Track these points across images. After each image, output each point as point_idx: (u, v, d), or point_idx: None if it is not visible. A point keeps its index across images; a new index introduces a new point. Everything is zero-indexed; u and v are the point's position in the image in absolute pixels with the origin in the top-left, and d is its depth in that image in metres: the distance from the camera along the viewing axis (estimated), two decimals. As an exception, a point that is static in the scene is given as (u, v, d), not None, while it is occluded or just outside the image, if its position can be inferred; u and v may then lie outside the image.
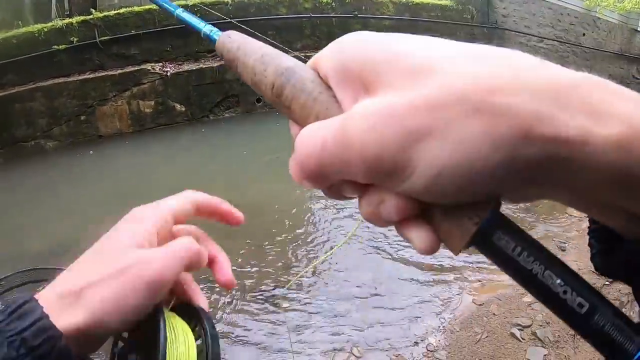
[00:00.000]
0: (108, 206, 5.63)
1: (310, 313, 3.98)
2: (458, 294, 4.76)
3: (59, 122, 6.93)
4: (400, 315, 4.37)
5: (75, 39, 7.09)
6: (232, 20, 8.68)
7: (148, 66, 7.69)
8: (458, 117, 0.25)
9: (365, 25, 10.59)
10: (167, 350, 0.46)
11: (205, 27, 0.49)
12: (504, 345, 4.00)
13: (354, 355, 3.72)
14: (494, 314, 4.40)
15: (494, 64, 0.27)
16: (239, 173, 6.93)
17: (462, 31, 11.49)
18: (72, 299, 0.43)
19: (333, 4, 9.70)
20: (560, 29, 12.57)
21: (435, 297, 4.68)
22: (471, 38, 11.91)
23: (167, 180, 6.68)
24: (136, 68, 7.60)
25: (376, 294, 4.55)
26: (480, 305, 4.56)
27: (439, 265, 5.15)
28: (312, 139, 0.30)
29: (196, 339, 0.49)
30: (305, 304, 4.34)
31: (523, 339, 4.11)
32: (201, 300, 0.51)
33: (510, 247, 0.30)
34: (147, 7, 7.99)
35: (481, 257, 4.61)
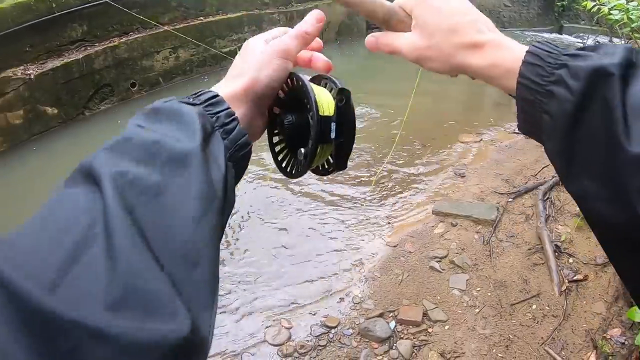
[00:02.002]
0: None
1: (224, 295, 4.07)
2: (371, 241, 4.95)
3: None
4: (318, 273, 4.52)
5: None
6: (90, 3, 8.38)
7: (9, 72, 7.51)
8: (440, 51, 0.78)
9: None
10: (311, 86, 0.74)
11: None
12: (427, 280, 4.26)
13: (284, 327, 3.86)
14: (409, 252, 4.65)
15: (455, 23, 0.76)
16: None
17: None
18: (233, 78, 0.75)
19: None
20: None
21: (348, 248, 4.87)
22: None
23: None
24: None
25: (290, 255, 4.69)
26: (394, 247, 4.78)
27: (344, 215, 5.44)
28: (398, 43, 0.82)
29: (330, 91, 0.78)
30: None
31: (443, 269, 4.38)
32: (320, 65, 0.86)
33: None
34: (-6, 6, 7.60)
35: (384, 199, 5.12)
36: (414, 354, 3.56)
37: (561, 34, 15.10)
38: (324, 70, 0.85)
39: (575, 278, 4.10)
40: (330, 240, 4.95)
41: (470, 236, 4.75)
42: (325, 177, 6.05)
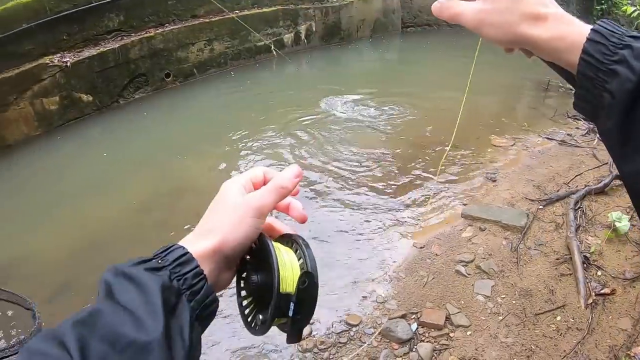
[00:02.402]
0: (35, 217, 5.62)
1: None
2: (398, 241, 4.95)
3: None
4: (344, 271, 4.54)
5: None
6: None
7: (46, 60, 7.87)
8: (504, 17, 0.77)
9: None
10: (277, 259, 0.73)
11: None
12: (452, 284, 4.24)
13: (305, 322, 3.90)
14: (436, 254, 4.63)
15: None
16: (163, 155, 7.42)
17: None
18: (205, 234, 0.74)
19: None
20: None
21: (375, 247, 4.87)
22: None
23: (87, 177, 7.01)
24: (34, 64, 7.78)
25: (316, 250, 4.78)
26: (421, 248, 4.76)
27: (374, 213, 5.45)
28: (461, 8, 0.81)
29: (295, 252, 0.78)
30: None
31: (469, 274, 4.35)
32: (287, 229, 0.85)
33: None
34: (34, -5, 7.80)
35: (413, 198, 5.11)
36: (433, 357, 3.58)
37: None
38: (298, 220, 0.86)
39: (602, 291, 4.03)
40: (357, 239, 4.97)
41: (498, 242, 4.71)
42: (354, 177, 6.10)
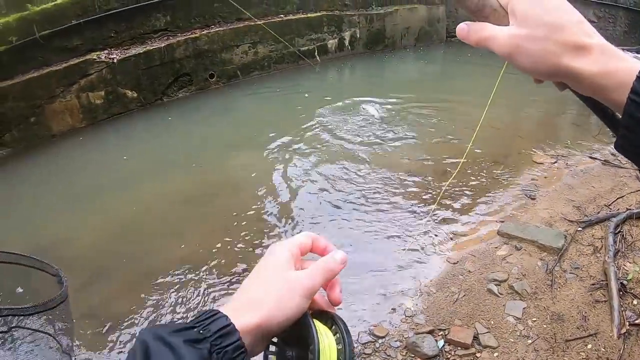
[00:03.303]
0: (76, 204, 5.77)
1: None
2: (431, 255, 4.86)
3: (9, 128, 7.35)
4: (375, 282, 4.46)
5: (14, 38, 7.36)
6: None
7: (93, 55, 8.07)
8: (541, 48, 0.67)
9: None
10: (319, 346, 0.69)
11: None
12: (483, 302, 4.11)
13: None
14: (469, 271, 4.51)
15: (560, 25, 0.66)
16: (202, 152, 7.50)
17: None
18: (249, 304, 0.71)
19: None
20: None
21: (408, 260, 4.78)
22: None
23: (127, 170, 7.21)
24: (81, 59, 8.01)
25: (349, 259, 4.79)
26: (454, 263, 4.65)
27: (408, 226, 5.35)
28: (494, 32, 0.72)
29: (334, 334, 0.75)
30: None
31: (501, 293, 4.21)
32: (325, 303, 0.81)
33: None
34: (85, -8, 8.03)
35: (448, 212, 5.01)
36: (458, 377, 3.50)
37: (647, 55, 14.38)
38: (333, 301, 0.82)
39: (637, 322, 3.83)
40: (390, 251, 4.90)
41: (533, 262, 4.55)
42: (389, 188, 6.03)
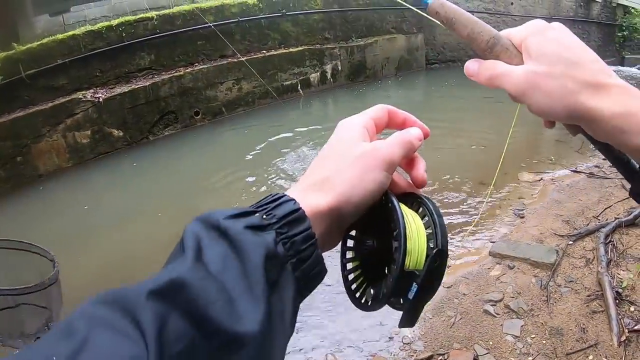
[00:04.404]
0: (61, 246, 5.65)
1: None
2: None
3: None
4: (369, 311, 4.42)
5: (0, 77, 7.00)
6: (158, 34, 8.70)
7: (79, 95, 8.06)
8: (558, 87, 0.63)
9: (295, 22, 10.81)
10: (406, 229, 0.59)
11: None
12: (480, 324, 4.05)
13: (329, 361, 3.79)
14: (464, 294, 4.44)
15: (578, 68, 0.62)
16: (191, 191, 7.03)
17: (393, 14, 11.80)
18: (320, 184, 0.60)
19: (260, 5, 9.89)
20: (489, 1, 13.11)
21: None
22: (402, 19, 12.27)
23: (115, 210, 6.74)
24: (67, 98, 8.01)
25: (341, 292, 4.76)
26: (448, 287, 4.57)
27: None
28: (508, 70, 0.67)
29: (422, 218, 0.64)
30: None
31: (497, 313, 4.15)
32: (410, 185, 0.69)
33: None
34: (70, 33, 8.19)
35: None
36: (460, 400, 3.39)
37: (623, 66, 14.75)
38: (417, 183, 0.69)
39: (636, 328, 3.76)
40: None
41: (527, 280, 4.48)
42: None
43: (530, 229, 5.36)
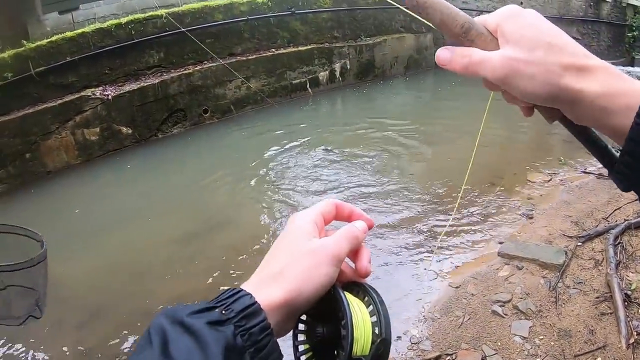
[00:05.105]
0: (68, 242, 5.66)
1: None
2: (433, 280, 4.76)
3: (4, 164, 7.24)
4: None
5: (10, 74, 7.22)
6: (168, 32, 8.70)
7: (88, 92, 8.04)
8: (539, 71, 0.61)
9: (304, 21, 10.79)
10: (352, 319, 0.62)
11: None
12: (488, 324, 4.03)
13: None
14: (472, 294, 4.42)
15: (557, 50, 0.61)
16: (197, 190, 7.04)
17: (402, 13, 11.78)
18: (274, 278, 0.63)
19: (269, 3, 9.88)
20: (498, 1, 13.06)
21: (410, 287, 4.69)
22: (411, 18, 12.22)
23: (123, 207, 6.81)
24: (76, 96, 8.00)
25: None
26: (457, 287, 4.56)
27: (408, 252, 5.27)
28: (486, 56, 0.65)
29: (367, 306, 0.67)
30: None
31: (506, 314, 4.13)
32: (353, 273, 0.72)
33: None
34: (79, 31, 8.20)
35: (448, 237, 4.89)
36: (467, 400, 3.37)
37: (633, 66, 14.65)
38: (361, 273, 0.72)
39: (644, 330, 3.81)
40: (391, 278, 4.83)
41: (535, 281, 4.45)
42: (388, 214, 5.94)
43: (539, 229, 5.32)
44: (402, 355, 3.83)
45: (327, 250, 0.65)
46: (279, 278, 0.63)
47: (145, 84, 8.81)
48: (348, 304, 0.63)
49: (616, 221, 5.17)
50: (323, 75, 11.69)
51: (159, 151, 8.77)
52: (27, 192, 7.45)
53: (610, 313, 3.93)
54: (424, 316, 4.22)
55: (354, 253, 0.72)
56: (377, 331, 0.64)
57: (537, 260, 4.66)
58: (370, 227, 0.74)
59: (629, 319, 3.81)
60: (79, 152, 8.13)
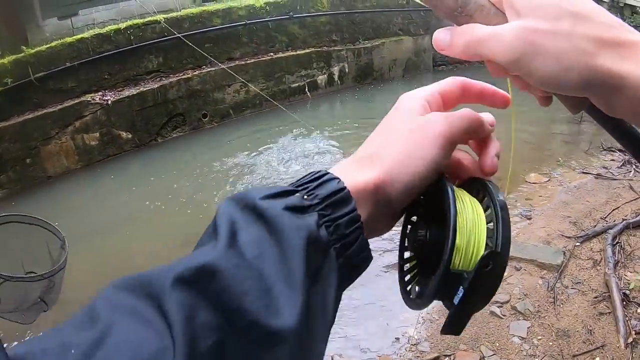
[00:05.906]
0: (72, 248, 5.66)
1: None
2: None
3: (4, 169, 7.23)
4: (376, 312, 4.41)
5: (10, 80, 7.21)
6: (166, 37, 8.69)
7: (88, 97, 8.07)
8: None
9: (302, 24, 10.78)
10: (457, 219, 0.49)
11: None
12: (487, 325, 4.05)
13: (335, 361, 3.82)
14: (470, 295, 4.40)
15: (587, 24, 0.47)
16: (200, 193, 7.01)
17: (400, 16, 11.77)
18: (368, 160, 0.52)
19: (267, 7, 9.85)
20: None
21: None
22: (409, 20, 12.23)
23: (123, 212, 6.76)
24: (76, 101, 8.02)
25: (346, 292, 4.81)
26: (454, 288, 4.54)
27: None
28: (493, 31, 0.49)
29: (485, 210, 0.53)
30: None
31: (504, 315, 4.14)
32: (476, 168, 0.58)
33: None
34: (78, 36, 8.24)
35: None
36: (466, 401, 3.38)
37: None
38: (485, 171, 0.58)
39: (642, 330, 3.84)
40: (389, 279, 4.80)
41: (534, 281, 4.47)
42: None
43: (537, 230, 5.32)
44: (400, 356, 3.86)
45: (435, 128, 0.52)
46: (371, 160, 0.52)
47: (145, 89, 8.80)
48: (454, 200, 0.50)
49: (614, 221, 5.18)
50: (322, 78, 11.65)
51: (158, 155, 8.76)
52: (28, 197, 7.41)
53: (609, 313, 3.94)
54: (422, 318, 4.23)
55: (479, 144, 0.59)
56: (490, 242, 0.51)
57: (536, 260, 4.67)
58: (506, 104, 0.62)
59: (627, 318, 3.82)
60: (79, 157, 8.13)
